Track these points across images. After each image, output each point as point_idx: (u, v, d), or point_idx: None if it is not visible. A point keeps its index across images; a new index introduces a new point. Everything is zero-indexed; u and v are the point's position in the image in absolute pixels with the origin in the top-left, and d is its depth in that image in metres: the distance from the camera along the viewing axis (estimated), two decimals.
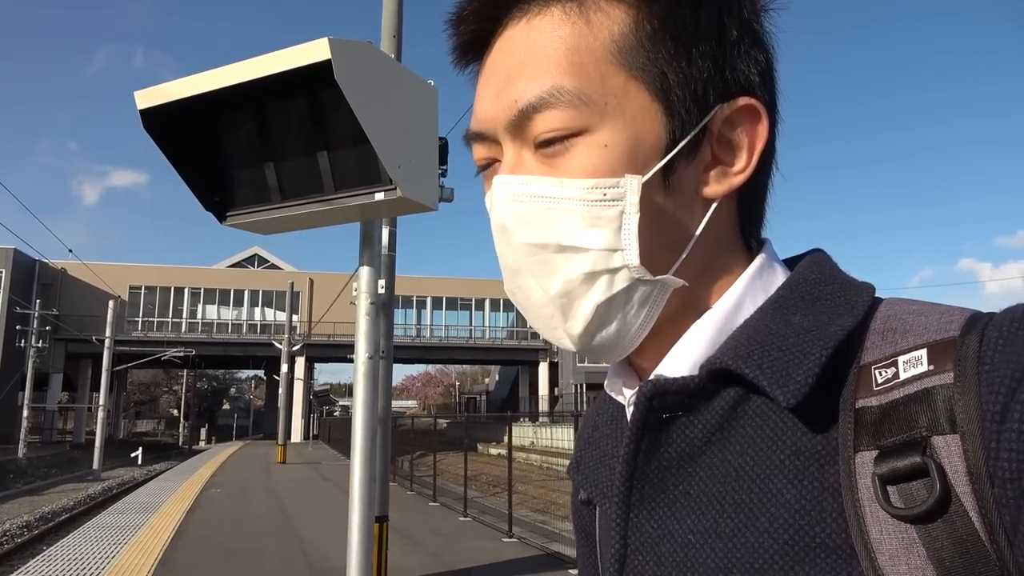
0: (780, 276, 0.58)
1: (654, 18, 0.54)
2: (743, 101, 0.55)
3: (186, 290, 43.56)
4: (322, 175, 3.83)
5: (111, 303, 29.68)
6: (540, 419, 33.94)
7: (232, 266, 48.93)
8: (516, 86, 0.54)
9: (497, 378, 62.44)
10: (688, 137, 0.53)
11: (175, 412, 76.64)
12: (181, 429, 62.53)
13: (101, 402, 30.00)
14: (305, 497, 14.78)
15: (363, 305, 4.34)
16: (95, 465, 28.11)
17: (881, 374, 0.48)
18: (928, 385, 0.45)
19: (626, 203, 0.53)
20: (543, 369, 46.80)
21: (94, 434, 29.97)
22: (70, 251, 25.89)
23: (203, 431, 62.82)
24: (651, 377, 0.55)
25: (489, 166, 0.59)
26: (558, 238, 0.54)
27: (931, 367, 0.46)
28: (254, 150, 3.90)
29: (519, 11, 0.56)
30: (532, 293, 0.56)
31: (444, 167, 6.29)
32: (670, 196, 0.54)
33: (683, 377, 0.54)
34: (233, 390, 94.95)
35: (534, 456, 28.21)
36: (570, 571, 7.82)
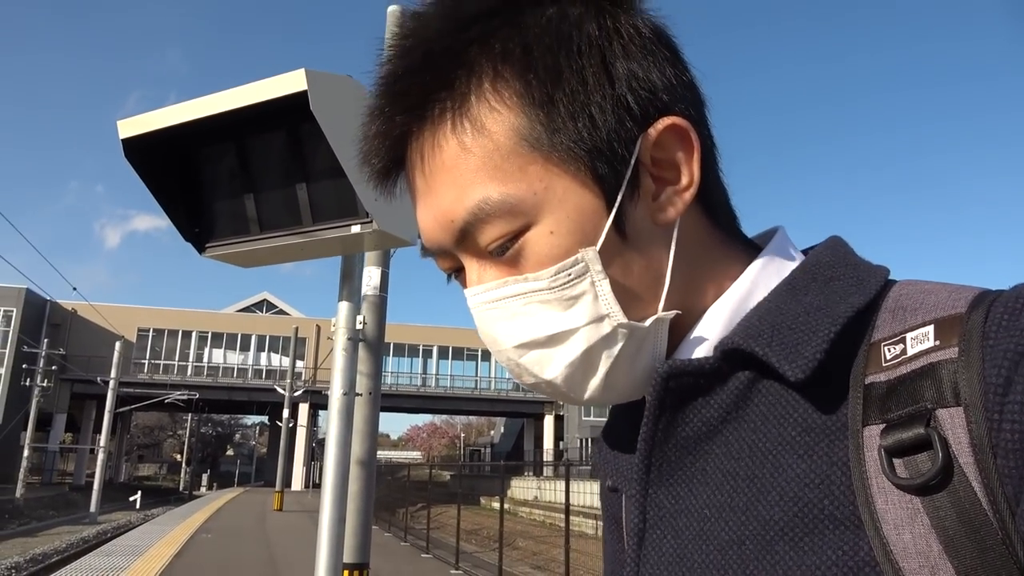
0: (794, 261, 0.59)
1: (541, 94, 0.54)
2: (661, 124, 0.55)
3: (193, 333, 43.64)
4: (300, 207, 3.81)
5: (117, 344, 29.73)
6: (544, 472, 33.36)
7: (241, 311, 49.10)
8: (445, 207, 0.55)
9: (503, 430, 61.72)
10: (623, 187, 0.54)
11: (178, 457, 75.98)
12: (183, 474, 61.86)
13: (102, 443, 29.78)
14: (297, 545, 14.45)
15: (340, 341, 4.29)
16: (92, 508, 27.76)
17: (890, 350, 0.49)
18: (934, 360, 0.46)
19: (591, 273, 0.54)
20: (548, 422, 46.24)
21: (94, 476, 29.66)
22: (74, 289, 26.07)
23: (205, 476, 62.06)
24: (668, 360, 0.56)
25: (458, 271, 0.61)
26: (544, 330, 0.55)
27: (937, 342, 0.47)
28: (234, 181, 3.91)
29: (416, 137, 0.56)
30: (539, 386, 0.58)
31: None
32: (631, 243, 0.55)
33: (699, 359, 0.55)
34: (238, 436, 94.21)
35: (537, 511, 27.64)
36: None
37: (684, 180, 0.56)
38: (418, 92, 0.56)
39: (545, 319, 0.55)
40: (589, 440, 42.02)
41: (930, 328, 0.48)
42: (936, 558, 0.43)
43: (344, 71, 3.52)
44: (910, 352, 0.48)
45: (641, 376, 0.57)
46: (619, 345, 0.55)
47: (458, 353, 47.33)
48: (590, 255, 0.53)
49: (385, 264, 7.04)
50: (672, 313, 0.56)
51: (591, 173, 0.54)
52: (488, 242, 0.55)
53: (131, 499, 35.38)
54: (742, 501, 0.52)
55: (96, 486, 28.26)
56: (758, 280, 0.58)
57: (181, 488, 57.21)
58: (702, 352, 0.56)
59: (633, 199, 0.55)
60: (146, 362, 42.38)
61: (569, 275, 0.54)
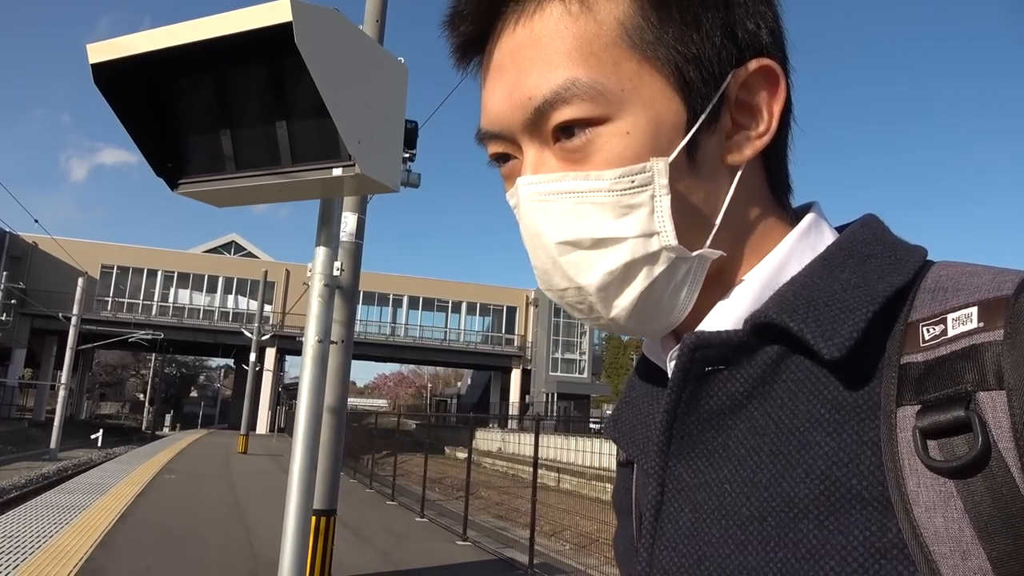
0: (828, 236, 0.58)
1: None
2: (757, 63, 0.55)
3: (159, 272, 42.87)
4: (280, 146, 3.67)
5: (80, 280, 29.13)
6: (509, 425, 33.79)
7: (208, 251, 48.31)
8: (528, 83, 0.54)
9: (469, 382, 62.18)
10: (707, 110, 0.53)
11: (141, 396, 75.51)
12: (145, 414, 61.55)
13: (63, 380, 29.38)
14: (260, 488, 14.50)
15: (316, 287, 4.18)
16: (52, 444, 27.52)
17: (929, 331, 0.48)
18: (977, 342, 0.45)
19: (655, 186, 0.53)
20: (515, 376, 46.64)
21: (55, 413, 29.31)
22: (36, 221, 25.42)
23: (168, 417, 61.70)
24: (695, 331, 0.55)
25: (504, 159, 0.59)
26: (590, 232, 0.54)
27: (981, 324, 0.45)
28: (210, 116, 3.73)
29: (517, 6, 0.55)
30: (566, 294, 0.56)
31: (413, 151, 6.14)
32: (696, 171, 0.54)
33: (727, 331, 0.54)
34: (202, 378, 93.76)
35: (500, 462, 28.03)
36: None
37: (762, 126, 0.55)
38: None
39: (595, 222, 0.54)
40: (555, 395, 42.56)
41: (973, 309, 0.46)
42: (968, 543, 0.42)
43: (331, 3, 3.35)
44: (951, 333, 0.46)
45: (670, 311, 0.57)
46: (660, 268, 0.54)
47: (428, 304, 47.22)
48: (660, 166, 0.53)
49: (362, 210, 6.89)
50: (717, 253, 0.55)
51: (681, 87, 0.53)
52: (562, 120, 0.53)
53: (92, 437, 35.16)
54: (765, 477, 0.50)
55: (57, 423, 27.97)
56: (792, 254, 0.56)
57: (144, 428, 57.02)
58: (730, 324, 0.55)
59: (709, 130, 0.54)
60: (110, 299, 41.59)
61: (632, 181, 0.53)
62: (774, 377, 0.52)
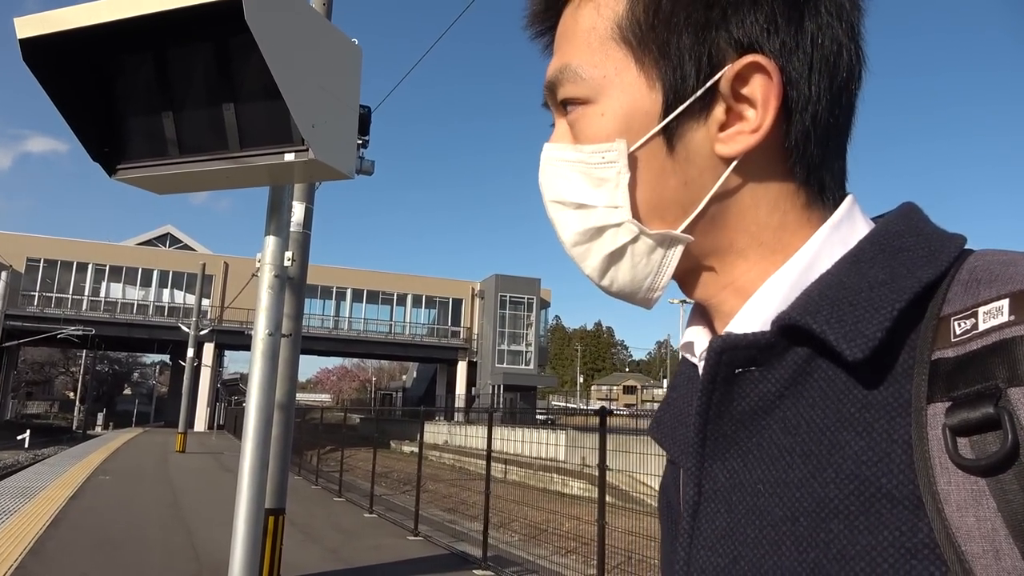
0: (862, 229, 0.57)
1: None
2: (745, 60, 0.55)
3: (90, 266, 41.20)
4: (227, 129, 3.48)
5: (3, 274, 27.77)
6: (455, 418, 33.65)
7: (142, 244, 46.69)
8: (551, 64, 0.63)
9: (415, 375, 61.77)
10: (687, 102, 0.56)
11: (71, 395, 72.67)
12: (76, 412, 59.18)
13: None
14: (201, 488, 14.08)
15: (267, 278, 4.01)
16: None
17: (960, 325, 0.47)
18: (1007, 336, 0.44)
19: (619, 164, 0.57)
20: (461, 368, 46.51)
21: None
22: None
23: (100, 416, 59.41)
24: (722, 333, 0.56)
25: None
26: (574, 196, 0.60)
27: (1012, 317, 0.44)
28: (152, 97, 3.52)
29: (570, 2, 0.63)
30: (563, 246, 0.62)
31: (366, 137, 5.97)
32: (676, 158, 0.57)
33: (753, 333, 0.54)
34: (136, 375, 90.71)
35: (447, 455, 27.89)
36: (475, 571, 7.61)
37: (754, 122, 0.56)
38: None
39: (579, 188, 0.60)
40: (502, 387, 42.59)
41: (1005, 302, 0.45)
42: (1001, 542, 0.41)
43: None
44: (981, 327, 0.45)
45: (640, 280, 0.60)
46: (625, 238, 0.59)
47: (373, 296, 46.62)
48: (620, 147, 0.57)
49: (310, 199, 6.69)
50: (688, 238, 0.58)
51: (661, 79, 0.57)
52: (560, 98, 0.62)
53: (19, 438, 33.52)
54: (797, 477, 0.51)
55: None
56: (821, 251, 0.56)
57: (75, 427, 54.75)
58: (758, 325, 0.55)
59: (699, 121, 0.57)
60: (36, 294, 39.74)
61: (603, 157, 0.58)
62: (805, 377, 0.52)
